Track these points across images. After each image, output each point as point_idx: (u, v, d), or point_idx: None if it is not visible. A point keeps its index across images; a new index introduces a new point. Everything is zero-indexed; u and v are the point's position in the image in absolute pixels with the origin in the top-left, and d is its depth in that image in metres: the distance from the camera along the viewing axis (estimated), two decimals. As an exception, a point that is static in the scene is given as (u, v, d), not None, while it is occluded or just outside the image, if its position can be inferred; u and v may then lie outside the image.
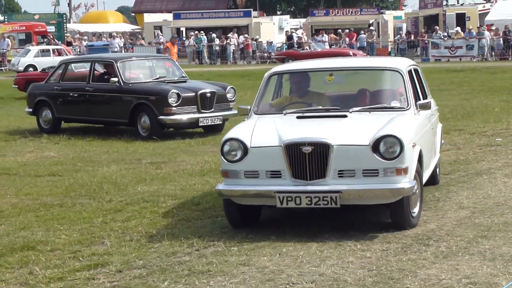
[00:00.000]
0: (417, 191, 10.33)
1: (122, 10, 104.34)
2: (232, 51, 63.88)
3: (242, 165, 10.02)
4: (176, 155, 17.96)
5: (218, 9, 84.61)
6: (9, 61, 60.63)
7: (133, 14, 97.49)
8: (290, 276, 8.82)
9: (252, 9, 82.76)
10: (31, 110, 23.55)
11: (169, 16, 77.14)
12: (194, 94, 21.06)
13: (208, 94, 21.25)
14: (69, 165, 17.04)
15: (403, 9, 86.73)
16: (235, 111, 20.07)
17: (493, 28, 58.41)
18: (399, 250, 9.75)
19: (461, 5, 72.45)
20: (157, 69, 23.13)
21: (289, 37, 67.55)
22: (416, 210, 10.46)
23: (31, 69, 49.59)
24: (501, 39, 56.88)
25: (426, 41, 59.56)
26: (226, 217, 10.67)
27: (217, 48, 64.39)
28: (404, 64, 12.07)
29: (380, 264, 9.19)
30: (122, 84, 21.02)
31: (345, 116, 10.71)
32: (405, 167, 9.72)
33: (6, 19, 72.82)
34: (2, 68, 59.63)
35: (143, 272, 8.96)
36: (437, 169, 13.25)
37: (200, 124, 21.24)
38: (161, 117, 20.44)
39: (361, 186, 9.73)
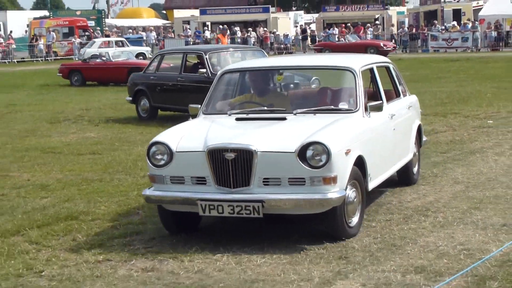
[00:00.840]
0: (355, 199, 8.71)
1: (154, 6, 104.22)
2: (252, 43, 63.78)
3: (167, 170, 8.64)
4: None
5: (240, 6, 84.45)
6: (54, 52, 60.75)
7: (164, 10, 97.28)
8: (303, 241, 8.88)
9: (270, 6, 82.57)
10: (130, 98, 22.67)
11: (196, 12, 77.05)
12: None
13: (292, 85, 19.28)
14: (108, 144, 17.10)
15: (405, 5, 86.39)
16: None
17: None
18: (401, 220, 9.77)
19: (457, 1, 72.95)
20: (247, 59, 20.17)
21: (303, 31, 67.72)
22: (355, 219, 8.79)
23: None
24: (493, 32, 56.87)
25: (426, 34, 59.54)
26: (162, 223, 9.28)
27: (239, 40, 64.28)
28: (358, 63, 10.17)
29: (384, 233, 9.22)
30: (210, 75, 18.97)
31: (284, 119, 9.19)
32: (333, 176, 8.12)
33: (51, 15, 72.72)
34: (48, 58, 59.69)
35: (173, 239, 9.01)
36: (414, 169, 11.67)
37: None
38: None
39: (286, 196, 8.13)
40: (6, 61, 58.87)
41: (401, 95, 11.35)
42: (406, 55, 51.95)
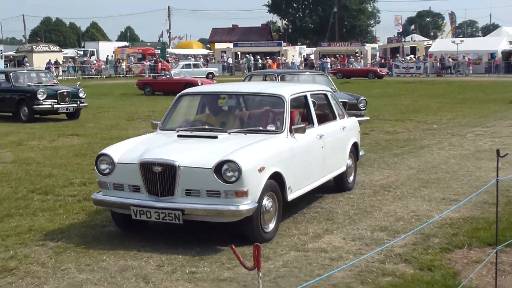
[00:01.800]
0: (271, 208, 7.39)
1: (201, 40, 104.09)
2: (268, 66, 63.70)
3: (111, 178, 7.46)
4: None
5: (261, 41, 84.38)
6: (131, 71, 60.91)
7: (208, 44, 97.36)
8: (302, 208, 8.87)
9: (282, 41, 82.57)
10: None
11: (230, 45, 77.01)
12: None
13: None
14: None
15: (377, 43, 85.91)
16: (367, 118, 17.05)
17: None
18: (371, 193, 9.77)
19: (414, 41, 72.94)
20: (310, 82, 17.24)
21: (305, 59, 67.59)
22: (271, 225, 7.46)
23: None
24: (438, 63, 56.80)
25: (391, 63, 59.38)
26: (114, 221, 7.97)
27: (260, 65, 64.21)
28: (289, 91, 8.66)
29: (359, 202, 9.22)
30: None
31: (216, 137, 7.81)
32: (245, 190, 6.90)
33: (130, 45, 72.97)
34: (127, 75, 59.86)
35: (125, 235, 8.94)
36: (350, 178, 10.11)
37: None
38: None
39: (203, 206, 6.95)
40: (98, 76, 59.10)
41: (338, 118, 9.79)
42: (360, 78, 51.53)
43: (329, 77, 18.87)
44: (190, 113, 9.30)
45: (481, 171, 11.51)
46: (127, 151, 7.62)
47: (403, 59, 60.82)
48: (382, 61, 62.42)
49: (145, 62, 61.76)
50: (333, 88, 16.91)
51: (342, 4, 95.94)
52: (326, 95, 9.91)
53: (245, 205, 6.93)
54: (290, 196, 7.86)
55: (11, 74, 21.98)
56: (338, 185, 9.91)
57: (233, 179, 6.86)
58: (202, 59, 69.53)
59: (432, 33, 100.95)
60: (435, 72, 56.30)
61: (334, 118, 9.76)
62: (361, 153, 10.74)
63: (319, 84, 16.49)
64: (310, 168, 8.50)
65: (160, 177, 7.09)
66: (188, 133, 8.21)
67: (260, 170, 7.12)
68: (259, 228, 7.21)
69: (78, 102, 21.72)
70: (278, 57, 66.44)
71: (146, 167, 7.16)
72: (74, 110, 21.77)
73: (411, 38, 77.58)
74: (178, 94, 9.17)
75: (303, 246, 7.11)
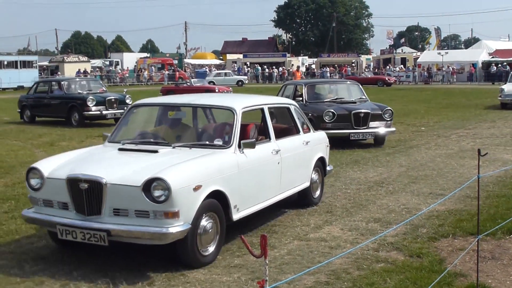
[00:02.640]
0: (210, 230, 6.11)
1: (214, 52, 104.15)
2: (275, 76, 63.68)
3: (41, 193, 6.22)
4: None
5: (268, 52, 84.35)
6: (152, 79, 60.96)
7: (221, 55, 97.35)
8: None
9: (286, 52, 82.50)
10: None
11: (240, 56, 76.98)
12: (348, 113, 14.20)
13: (362, 114, 14.22)
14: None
15: (371, 54, 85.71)
16: (393, 129, 14.93)
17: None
18: (366, 189, 9.74)
19: (404, 53, 72.82)
20: (340, 91, 16.03)
21: (307, 69, 67.51)
22: (211, 248, 6.19)
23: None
24: (425, 72, 56.73)
25: (384, 73, 59.22)
26: (50, 238, 6.75)
27: (267, 74, 64.15)
28: (242, 104, 7.27)
29: (355, 197, 9.18)
30: (304, 103, 14.87)
31: (156, 151, 6.52)
32: (176, 211, 5.64)
33: (151, 56, 73.10)
34: (148, 83, 59.89)
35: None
36: (316, 193, 8.73)
37: (351, 138, 14.19)
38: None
39: (131, 227, 5.71)
40: (122, 84, 59.22)
41: (301, 132, 8.39)
42: (370, 86, 51.38)
43: (360, 86, 16.34)
44: (149, 125, 7.96)
45: (464, 168, 11.46)
46: (59, 165, 6.37)
47: (394, 69, 60.70)
48: (376, 70, 62.20)
49: (164, 71, 61.81)
50: (364, 97, 15.48)
51: (340, 20, 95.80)
52: (288, 109, 8.49)
53: (176, 227, 5.69)
54: (237, 216, 6.61)
55: (63, 82, 21.66)
56: (301, 200, 8.49)
57: (162, 198, 5.64)
58: (214, 69, 69.50)
59: (420, 46, 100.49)
60: (422, 80, 56.20)
61: (297, 132, 8.36)
62: (328, 168, 9.22)
63: (359, 93, 15.68)
64: (262, 185, 7.20)
65: (86, 194, 5.91)
66: (131, 146, 6.89)
67: (195, 189, 5.87)
68: (194, 251, 5.95)
69: (125, 108, 20.62)
70: (283, 67, 66.32)
71: (73, 183, 5.97)
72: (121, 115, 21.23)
73: (402, 50, 77.44)
74: (131, 105, 7.93)
75: (305, 236, 7.09)
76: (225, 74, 55.99)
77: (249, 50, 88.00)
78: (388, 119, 14.63)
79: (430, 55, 62.58)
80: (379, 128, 14.41)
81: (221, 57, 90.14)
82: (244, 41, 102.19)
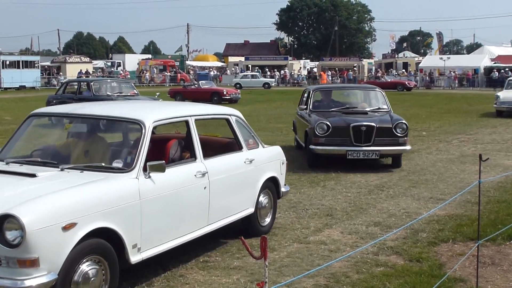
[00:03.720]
0: (93, 279, 4.70)
1: (216, 54, 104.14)
2: (276, 79, 63.74)
3: None
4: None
5: (269, 55, 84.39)
6: (154, 80, 60.97)
7: (223, 57, 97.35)
8: (305, 205, 8.84)
9: (288, 56, 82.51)
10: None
11: (242, 58, 77.00)
12: (346, 125, 11.54)
13: (363, 128, 11.47)
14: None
15: (373, 58, 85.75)
16: (407, 147, 11.82)
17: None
18: (366, 192, 9.73)
19: (406, 57, 72.77)
20: (355, 98, 13.97)
21: (309, 72, 67.56)
22: None
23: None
24: (427, 77, 56.76)
25: (386, 77, 59.20)
26: None
27: (268, 76, 64.20)
28: (155, 115, 5.83)
29: (356, 200, 9.18)
30: (308, 112, 12.75)
31: (34, 175, 5.08)
32: (34, 258, 4.27)
33: (152, 57, 73.17)
34: (150, 84, 59.90)
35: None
36: (265, 219, 7.32)
37: (348, 157, 11.48)
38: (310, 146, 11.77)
39: None
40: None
41: (244, 149, 6.98)
42: (389, 90, 51.13)
43: (384, 93, 13.43)
44: (49, 139, 6.71)
45: (465, 173, 11.45)
46: None
47: (396, 73, 60.69)
48: (378, 74, 62.21)
49: (166, 73, 61.88)
50: (385, 107, 12.85)
51: (342, 24, 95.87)
52: (228, 120, 7.04)
53: (35, 279, 4.31)
54: (137, 258, 5.22)
55: (92, 83, 20.60)
56: (247, 228, 7.14)
57: (17, 241, 4.28)
58: (215, 71, 69.57)
59: (422, 51, 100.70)
60: (424, 85, 56.20)
61: (239, 148, 6.98)
62: (284, 189, 7.75)
63: (373, 100, 13.13)
64: (179, 217, 5.80)
65: None
66: (11, 167, 5.45)
67: (66, 228, 4.50)
68: None
69: None
70: (286, 70, 66.29)
71: None
72: None
73: (404, 54, 77.41)
74: (28, 114, 6.43)
75: (305, 239, 7.08)
76: (252, 76, 56.09)
77: (251, 53, 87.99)
78: (401, 135, 11.58)
79: (432, 60, 62.66)
80: (389, 146, 11.52)
81: (223, 60, 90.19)
82: (246, 44, 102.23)
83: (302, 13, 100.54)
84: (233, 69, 69.82)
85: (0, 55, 51.02)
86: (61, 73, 56.28)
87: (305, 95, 14.03)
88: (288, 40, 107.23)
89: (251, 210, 7.01)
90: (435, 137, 17.37)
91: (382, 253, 6.52)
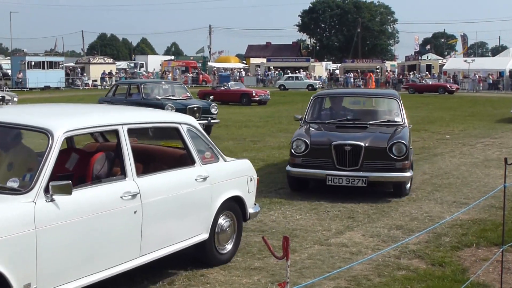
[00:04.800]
0: None
1: (238, 55, 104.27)
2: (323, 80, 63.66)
3: None
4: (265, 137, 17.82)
5: (291, 57, 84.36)
6: (175, 79, 61.40)
7: (244, 59, 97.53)
8: (327, 207, 8.82)
9: (310, 57, 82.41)
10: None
11: (264, 60, 77.07)
12: (327, 145, 9.40)
13: (347, 148, 9.17)
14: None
15: (396, 60, 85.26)
16: (407, 174, 9.24)
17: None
18: (388, 195, 9.65)
19: (429, 59, 72.19)
20: (362, 108, 12.25)
21: (331, 74, 67.35)
22: None
23: (282, 87, 52.67)
24: (451, 79, 56.24)
25: (409, 79, 58.76)
26: None
27: (290, 78, 64.12)
28: (68, 123, 4.80)
29: (378, 203, 9.13)
30: (303, 123, 10.59)
31: None
32: None
33: (175, 58, 73.60)
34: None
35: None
36: (225, 247, 6.23)
37: (328, 182, 9.28)
38: None
39: None
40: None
41: (198, 163, 5.87)
42: (431, 94, 50.65)
43: (400, 102, 10.82)
44: None
45: (489, 177, 11.32)
46: None
47: (419, 75, 60.21)
48: (400, 77, 61.81)
49: (188, 74, 62.16)
50: (397, 120, 10.46)
51: (365, 25, 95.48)
52: (177, 129, 5.84)
53: None
54: None
55: (142, 86, 19.01)
56: (200, 257, 6.10)
57: None
58: (237, 72, 69.69)
59: (446, 53, 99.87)
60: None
61: (191, 163, 5.84)
62: (252, 210, 6.57)
63: (385, 110, 10.96)
64: (97, 248, 4.73)
65: None
66: None
67: None
68: None
69: (209, 118, 17.88)
70: (306, 71, 66.19)
71: None
72: (204, 127, 15.97)
73: (427, 56, 76.85)
74: None
75: (326, 241, 7.06)
76: (297, 78, 56.10)
77: (273, 55, 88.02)
78: (398, 158, 9.17)
79: (456, 62, 62.05)
80: (381, 171, 9.22)
81: (245, 61, 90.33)
82: (268, 45, 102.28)
83: (325, 15, 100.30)
84: (258, 70, 69.82)
85: (26, 56, 51.70)
86: (85, 74, 56.83)
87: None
88: (310, 41, 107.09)
89: (204, 236, 5.86)
90: (459, 141, 17.21)
91: (404, 257, 6.47)
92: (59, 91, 48.55)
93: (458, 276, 5.82)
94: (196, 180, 5.77)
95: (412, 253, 6.59)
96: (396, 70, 70.75)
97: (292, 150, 9.49)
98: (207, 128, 17.34)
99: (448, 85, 49.91)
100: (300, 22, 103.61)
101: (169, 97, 18.50)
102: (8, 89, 43.87)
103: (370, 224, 7.83)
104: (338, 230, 7.52)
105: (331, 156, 9.29)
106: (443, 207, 8.86)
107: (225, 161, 6.35)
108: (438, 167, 12.48)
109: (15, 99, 23.08)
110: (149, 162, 5.73)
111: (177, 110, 16.58)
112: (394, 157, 9.17)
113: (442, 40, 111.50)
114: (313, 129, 10.13)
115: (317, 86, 53.18)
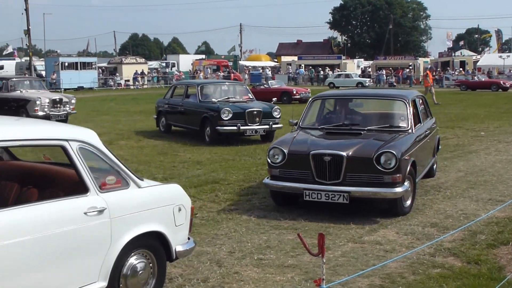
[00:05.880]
0: None
1: (269, 54, 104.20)
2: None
3: None
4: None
5: (323, 54, 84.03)
6: (207, 78, 61.72)
7: (275, 57, 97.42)
8: (360, 204, 8.79)
9: (342, 55, 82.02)
10: None
11: (295, 58, 76.94)
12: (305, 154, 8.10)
13: (327, 158, 7.92)
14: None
15: (429, 57, 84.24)
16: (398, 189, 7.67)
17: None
18: (423, 193, 9.58)
19: (463, 56, 71.15)
20: (377, 111, 10.30)
21: (363, 71, 66.93)
22: None
23: (331, 84, 52.48)
24: (486, 76, 55.33)
25: (442, 76, 58.02)
26: None
27: (321, 76, 63.94)
28: None
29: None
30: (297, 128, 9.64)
31: None
32: None
33: (206, 57, 73.93)
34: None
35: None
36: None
37: (306, 198, 8.09)
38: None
39: None
40: (178, 85, 59.97)
41: (93, 190, 4.56)
42: (484, 91, 49.74)
43: (409, 105, 9.10)
44: None
45: (526, 175, 11.15)
46: None
47: (453, 72, 59.44)
48: (434, 74, 61.13)
49: (219, 73, 62.40)
50: (405, 126, 8.96)
51: (397, 22, 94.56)
52: (64, 148, 4.53)
53: None
54: None
55: (199, 87, 17.07)
56: None
57: None
58: (269, 70, 69.70)
59: (480, 49, 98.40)
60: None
61: (84, 190, 4.54)
62: (181, 247, 5.30)
63: (390, 114, 9.53)
64: None
65: None
66: None
67: None
68: None
69: (271, 123, 16.16)
70: (338, 69, 65.83)
71: None
72: (265, 133, 16.26)
73: (461, 53, 75.80)
74: None
75: (360, 238, 7.05)
76: (347, 76, 55.91)
77: (304, 52, 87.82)
78: (387, 170, 7.78)
79: (490, 59, 61.21)
80: (366, 186, 7.89)
81: (276, 59, 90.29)
82: (299, 43, 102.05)
83: (356, 12, 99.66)
84: (289, 68, 69.72)
85: (59, 57, 52.53)
86: (117, 74, 57.49)
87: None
88: (342, 39, 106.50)
89: (101, 284, 4.60)
90: (494, 138, 16.95)
91: (439, 255, 6.42)
92: (92, 91, 49.18)
93: (494, 274, 5.76)
94: (86, 213, 4.46)
95: (447, 251, 6.54)
96: (429, 66, 69.97)
97: (269, 160, 8.39)
98: (268, 134, 16.27)
99: (501, 82, 47.87)
100: (331, 19, 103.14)
101: (229, 99, 16.63)
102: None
103: (404, 222, 7.78)
104: (371, 228, 7.50)
105: (309, 168, 8.04)
106: (478, 205, 8.75)
107: (139, 187, 4.98)
108: (473, 164, 12.32)
109: (73, 101, 22.20)
110: (23, 188, 4.61)
111: (235, 114, 15.51)
112: (382, 169, 7.75)
113: (476, 36, 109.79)
114: (299, 136, 8.87)
115: (366, 84, 52.67)
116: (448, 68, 62.50)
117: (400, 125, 9.05)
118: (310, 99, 10.23)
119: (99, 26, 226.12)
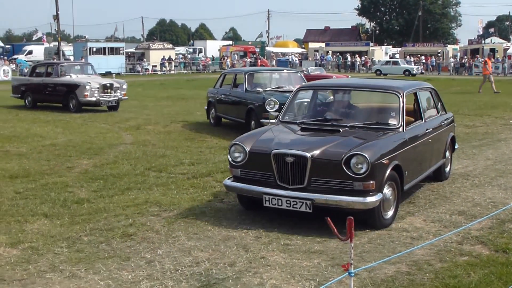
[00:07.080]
0: None
1: (296, 40, 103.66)
2: (357, 65, 63.03)
3: None
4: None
5: (351, 41, 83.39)
6: (234, 66, 61.76)
7: (303, 43, 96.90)
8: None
9: (370, 41, 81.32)
10: None
11: (322, 44, 76.51)
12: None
13: (290, 160, 6.85)
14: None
15: (458, 44, 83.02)
16: (370, 199, 6.64)
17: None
18: (450, 181, 9.52)
19: (493, 43, 70.04)
20: (366, 105, 9.12)
21: (391, 58, 66.34)
22: None
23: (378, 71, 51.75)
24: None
25: (471, 63, 57.19)
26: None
27: (349, 63, 63.54)
28: None
29: (439, 189, 9.01)
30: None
31: None
32: None
33: (233, 44, 73.94)
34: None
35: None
36: None
37: (265, 204, 7.08)
38: None
39: None
40: (205, 71, 60.23)
41: None
42: (457, 76, 50.08)
43: (402, 99, 7.77)
44: None
45: (557, 164, 10.98)
46: None
47: (482, 60, 58.50)
48: (463, 61, 60.23)
49: (246, 59, 62.40)
50: (395, 123, 7.68)
51: (426, 8, 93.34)
52: None
53: None
54: None
55: (246, 76, 15.55)
56: None
57: None
58: (296, 57, 69.39)
59: (511, 36, 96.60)
60: (512, 72, 53.89)
61: None
62: None
63: (380, 109, 8.44)
64: None
65: None
66: None
67: None
68: None
69: None
70: (366, 56, 65.26)
71: None
72: None
73: (491, 40, 74.56)
74: None
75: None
76: (394, 63, 55.62)
77: (331, 39, 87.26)
78: (358, 175, 6.63)
79: (521, 46, 60.07)
80: (333, 193, 6.74)
81: (303, 46, 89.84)
82: (326, 30, 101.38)
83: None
84: (316, 55, 69.38)
85: (87, 42, 53.03)
86: (144, 60, 57.81)
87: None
88: (370, 25, 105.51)
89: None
90: (524, 126, 16.71)
91: (467, 243, 6.38)
92: (120, 76, 49.47)
93: (523, 263, 5.70)
94: None
95: (474, 239, 6.49)
96: (458, 54, 69.02)
97: (229, 158, 7.40)
98: None
99: None
100: (360, 5, 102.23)
101: (278, 88, 15.05)
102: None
103: (431, 210, 7.74)
104: (398, 215, 7.46)
105: (271, 169, 6.99)
106: (507, 193, 8.66)
107: None
108: (502, 153, 12.18)
109: (124, 86, 21.45)
110: None
111: (282, 105, 10.93)
112: (352, 174, 6.61)
113: (507, 23, 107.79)
114: (270, 132, 7.84)
115: (414, 72, 51.98)
116: (478, 56, 61.52)
117: (388, 122, 7.80)
118: (295, 89, 9.25)
119: (127, 11, 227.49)
